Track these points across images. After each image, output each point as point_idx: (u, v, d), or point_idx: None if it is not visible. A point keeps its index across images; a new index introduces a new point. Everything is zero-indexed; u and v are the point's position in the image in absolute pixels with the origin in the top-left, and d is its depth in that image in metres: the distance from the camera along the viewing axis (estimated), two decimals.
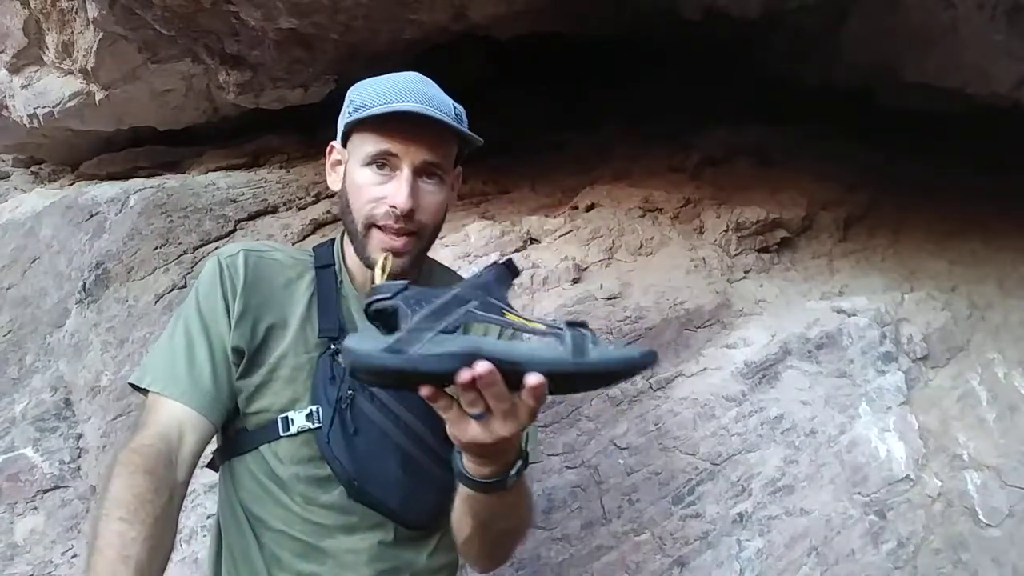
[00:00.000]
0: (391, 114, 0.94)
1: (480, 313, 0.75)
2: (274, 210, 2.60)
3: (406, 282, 0.79)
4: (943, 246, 2.61)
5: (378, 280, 0.90)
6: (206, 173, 2.87)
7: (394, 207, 0.96)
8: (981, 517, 1.87)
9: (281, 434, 0.99)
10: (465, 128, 1.01)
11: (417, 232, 1.00)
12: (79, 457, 1.99)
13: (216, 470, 1.07)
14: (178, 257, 2.33)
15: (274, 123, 3.03)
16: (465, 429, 0.76)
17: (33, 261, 2.47)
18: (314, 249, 1.11)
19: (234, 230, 2.47)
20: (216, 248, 2.39)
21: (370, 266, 0.99)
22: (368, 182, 0.98)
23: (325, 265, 1.07)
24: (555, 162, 3.03)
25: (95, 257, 2.31)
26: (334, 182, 1.07)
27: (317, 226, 2.55)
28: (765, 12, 2.26)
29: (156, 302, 2.21)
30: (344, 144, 1.04)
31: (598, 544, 1.69)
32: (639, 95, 3.31)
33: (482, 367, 0.69)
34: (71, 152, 3.39)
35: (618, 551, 1.69)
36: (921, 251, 2.59)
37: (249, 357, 0.99)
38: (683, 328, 2.03)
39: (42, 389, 2.13)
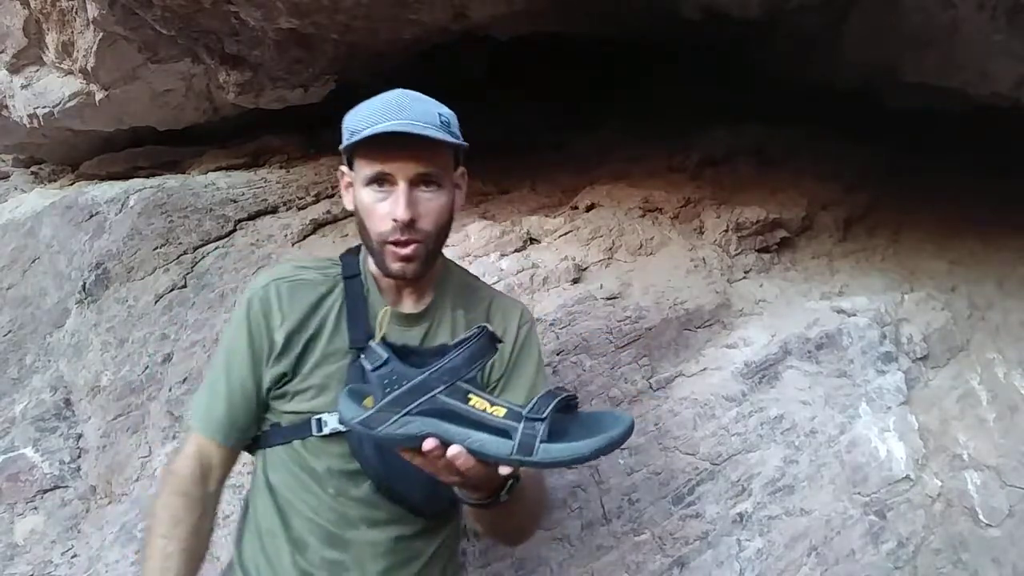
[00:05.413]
0: (380, 135, 1.00)
1: (444, 399, 0.87)
2: (274, 210, 2.60)
3: (387, 356, 0.90)
4: (943, 246, 2.61)
5: (377, 335, 1.02)
6: (206, 173, 2.87)
7: (396, 220, 1.04)
8: (981, 517, 1.87)
9: (314, 434, 1.09)
10: (452, 132, 1.07)
11: (423, 240, 1.07)
12: (79, 457, 1.99)
13: (253, 454, 1.18)
14: (178, 257, 2.33)
15: (274, 123, 3.03)
16: (449, 484, 0.92)
17: (33, 261, 2.47)
18: (341, 257, 1.19)
19: (234, 230, 2.47)
20: (216, 248, 2.39)
21: (390, 276, 1.10)
22: (372, 201, 1.07)
23: (352, 275, 1.15)
24: (555, 162, 3.03)
25: (95, 257, 2.31)
26: (348, 203, 1.14)
27: (317, 226, 2.55)
28: (765, 12, 2.26)
29: (156, 302, 2.21)
30: (351, 167, 1.11)
31: (598, 544, 1.69)
32: (639, 95, 3.31)
33: (453, 451, 0.84)
34: (71, 152, 3.39)
35: (618, 551, 1.69)
36: (921, 251, 2.59)
37: (291, 372, 1.11)
38: (683, 328, 2.03)
39: (42, 389, 2.13)
